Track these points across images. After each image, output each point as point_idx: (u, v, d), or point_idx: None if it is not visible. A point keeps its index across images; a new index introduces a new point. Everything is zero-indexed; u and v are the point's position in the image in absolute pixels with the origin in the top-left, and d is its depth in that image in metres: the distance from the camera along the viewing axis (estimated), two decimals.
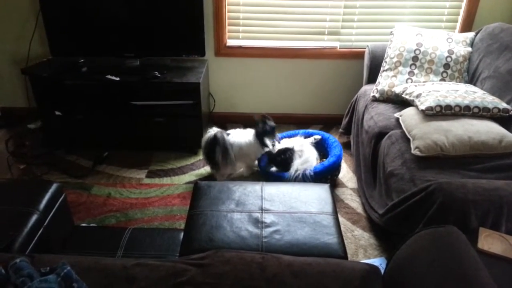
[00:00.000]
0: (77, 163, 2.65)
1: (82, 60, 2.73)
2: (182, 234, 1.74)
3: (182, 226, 2.05)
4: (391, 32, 2.61)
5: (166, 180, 2.50)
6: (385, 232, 2.03)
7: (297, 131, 2.69)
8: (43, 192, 1.74)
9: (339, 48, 2.94)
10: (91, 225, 2.07)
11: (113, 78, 2.57)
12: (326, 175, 2.34)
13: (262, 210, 1.65)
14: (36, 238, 1.60)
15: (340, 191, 2.40)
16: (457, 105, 2.02)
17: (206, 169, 2.59)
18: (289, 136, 2.65)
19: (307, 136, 2.62)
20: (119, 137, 2.75)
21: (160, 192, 2.39)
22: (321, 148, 2.56)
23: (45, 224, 1.67)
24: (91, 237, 1.74)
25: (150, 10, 2.63)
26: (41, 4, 2.59)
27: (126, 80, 2.57)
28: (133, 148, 2.77)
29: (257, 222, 1.59)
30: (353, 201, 2.33)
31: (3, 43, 2.92)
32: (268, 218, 1.61)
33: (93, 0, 2.61)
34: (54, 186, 1.79)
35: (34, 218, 1.62)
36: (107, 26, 2.68)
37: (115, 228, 1.95)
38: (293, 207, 1.66)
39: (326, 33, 2.91)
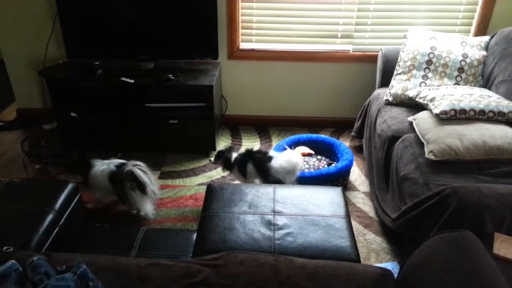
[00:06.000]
0: None
1: (97, 63, 2.78)
2: (195, 235, 1.75)
3: (195, 227, 2.07)
4: (405, 35, 2.59)
5: (178, 182, 2.52)
6: (397, 236, 2.01)
7: (301, 136, 2.69)
8: (59, 192, 1.77)
9: (352, 52, 2.93)
10: (105, 225, 2.09)
11: (128, 80, 2.60)
12: (337, 179, 2.34)
13: (275, 212, 1.65)
14: (52, 237, 1.63)
15: (352, 195, 2.39)
16: (472, 109, 2.00)
17: (218, 171, 2.61)
18: (293, 143, 2.64)
19: (311, 141, 2.63)
20: (133, 138, 2.78)
21: (172, 193, 2.41)
22: (332, 153, 2.56)
23: (60, 223, 1.70)
24: (106, 236, 1.76)
25: (165, 14, 2.66)
26: (58, 7, 2.64)
27: (140, 82, 2.61)
28: (147, 150, 2.80)
29: (270, 224, 1.59)
30: (365, 204, 2.32)
31: (21, 46, 2.98)
32: (280, 220, 1.61)
33: (108, 4, 2.66)
34: (69, 186, 1.83)
35: (50, 217, 1.65)
36: (122, 29, 2.72)
37: (129, 228, 1.97)
38: (305, 210, 1.66)
39: (339, 36, 2.91)
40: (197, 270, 1.32)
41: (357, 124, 2.78)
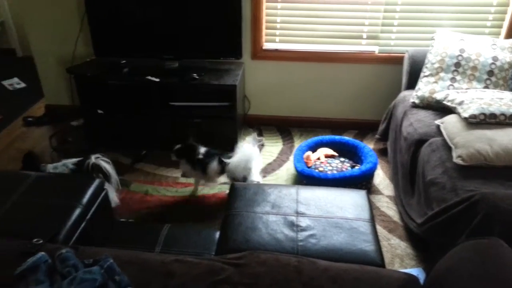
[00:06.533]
0: (117, 160, 2.73)
1: (123, 61, 2.83)
2: (217, 234, 1.76)
3: (217, 226, 2.08)
4: (433, 37, 2.54)
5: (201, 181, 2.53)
6: (422, 242, 1.98)
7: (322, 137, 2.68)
8: (86, 187, 1.81)
9: (378, 53, 2.89)
10: (130, 220, 2.13)
11: (153, 79, 2.64)
12: (361, 182, 2.32)
13: (298, 213, 1.64)
14: (79, 231, 1.67)
15: (376, 198, 2.36)
16: (502, 114, 1.94)
17: None
18: (316, 144, 2.63)
19: (335, 143, 2.61)
20: (157, 136, 2.82)
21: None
22: (355, 155, 2.54)
23: (87, 217, 1.73)
24: (130, 232, 1.79)
25: (190, 14, 2.69)
26: (87, 6, 2.70)
27: (165, 81, 2.64)
28: (170, 148, 2.82)
29: (293, 226, 1.59)
30: (389, 209, 2.29)
31: (50, 44, 3.06)
32: (303, 221, 1.60)
33: (135, 3, 2.70)
34: (96, 182, 1.86)
35: (77, 211, 1.69)
36: (148, 29, 2.76)
37: (153, 224, 2.00)
38: (329, 212, 1.65)
39: (364, 37, 2.87)
40: (220, 268, 1.33)
41: (381, 127, 2.74)
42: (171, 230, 1.75)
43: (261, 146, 2.77)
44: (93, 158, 2.15)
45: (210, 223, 2.17)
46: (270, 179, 2.54)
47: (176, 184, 2.50)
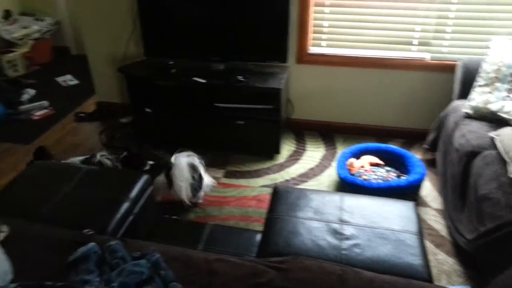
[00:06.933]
0: (163, 158, 2.80)
1: (171, 62, 2.90)
2: (258, 236, 1.77)
3: (257, 228, 2.09)
4: (488, 45, 2.42)
5: (242, 182, 2.55)
6: (471, 259, 1.88)
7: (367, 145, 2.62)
8: (134, 183, 1.87)
9: (429, 60, 2.80)
10: (173, 217, 2.18)
11: (200, 80, 2.69)
12: (407, 193, 2.24)
13: (342, 221, 1.62)
14: (126, 224, 1.72)
15: (422, 211, 2.27)
16: None
17: (282, 175, 2.61)
18: (361, 151, 2.57)
19: (380, 151, 2.54)
20: (201, 136, 2.87)
21: (236, 192, 2.45)
22: (402, 165, 2.46)
23: (134, 211, 1.79)
24: (174, 228, 1.83)
25: (237, 17, 2.72)
26: (140, 9, 2.80)
27: (211, 82, 2.68)
28: (213, 148, 2.88)
29: (336, 233, 1.56)
30: (436, 222, 2.20)
31: (103, 44, 3.20)
32: (347, 230, 1.57)
33: (186, 7, 2.77)
34: (144, 178, 1.92)
35: (125, 205, 1.75)
36: (196, 31, 2.83)
37: (196, 222, 2.03)
38: (374, 222, 1.61)
39: (415, 43, 2.79)
40: (263, 271, 1.33)
41: (430, 136, 2.64)
42: (213, 229, 1.78)
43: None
44: (98, 156, 2.24)
45: (250, 225, 2.18)
46: (311, 184, 2.51)
47: (218, 184, 2.53)
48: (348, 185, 2.30)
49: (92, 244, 1.39)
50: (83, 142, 3.05)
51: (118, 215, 1.69)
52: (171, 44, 2.90)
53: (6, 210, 1.68)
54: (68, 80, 4.17)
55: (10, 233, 1.48)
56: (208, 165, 2.70)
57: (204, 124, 2.83)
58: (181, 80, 2.75)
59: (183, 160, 2.23)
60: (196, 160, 2.29)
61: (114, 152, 2.82)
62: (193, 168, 2.24)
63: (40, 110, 3.49)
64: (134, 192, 1.82)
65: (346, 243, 1.51)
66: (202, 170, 2.29)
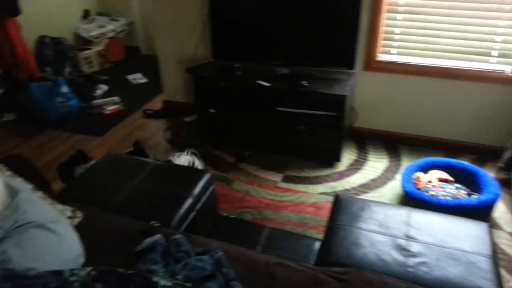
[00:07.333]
0: (222, 158, 2.86)
1: (237, 65, 2.95)
2: (317, 244, 1.74)
3: (314, 236, 2.05)
4: None
5: (300, 187, 2.53)
6: None
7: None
8: (197, 180, 1.92)
9: (509, 73, 2.60)
10: (232, 216, 2.20)
11: (264, 83, 2.71)
12: (478, 213, 2.09)
13: (408, 237, 1.54)
14: (188, 220, 1.77)
15: (495, 234, 2.11)
16: None
17: (342, 183, 2.55)
18: (428, 165, 2.44)
19: (450, 166, 2.40)
20: (261, 139, 2.89)
21: (294, 198, 2.43)
22: (473, 183, 2.30)
23: (197, 208, 1.83)
24: (233, 227, 1.86)
25: (306, 21, 2.71)
26: (210, 13, 2.88)
27: (275, 86, 2.69)
28: (272, 151, 2.88)
29: (402, 249, 1.49)
30: (510, 247, 2.03)
31: (173, 45, 3.33)
32: (414, 247, 1.50)
33: (255, 12, 2.81)
34: (206, 176, 1.97)
35: (189, 201, 1.80)
36: (263, 35, 2.85)
37: (255, 224, 2.04)
38: (443, 241, 1.52)
39: (494, 54, 2.60)
40: (324, 280, 1.30)
41: (506, 155, 2.45)
42: (272, 232, 1.78)
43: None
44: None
45: (307, 231, 2.14)
46: (372, 196, 2.43)
47: (276, 188, 2.53)
48: (413, 200, 2.19)
49: (158, 235, 1.44)
50: (150, 137, 3.19)
51: (182, 210, 1.74)
52: (238, 47, 2.95)
53: (80, 197, 1.79)
54: (137, 78, 4.39)
55: (83, 219, 1.58)
56: (267, 168, 2.72)
57: (265, 127, 2.84)
58: (245, 82, 2.79)
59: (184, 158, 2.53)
60: (196, 160, 2.62)
61: (179, 148, 2.93)
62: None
63: (112, 105, 3.70)
64: (197, 189, 1.87)
65: (412, 261, 1.44)
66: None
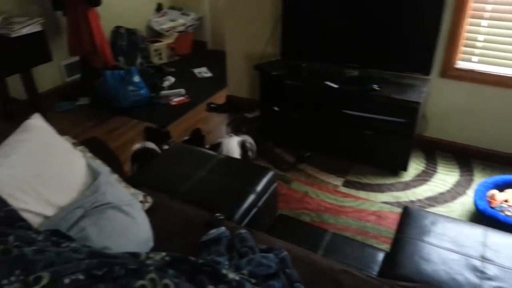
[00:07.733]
0: (282, 157, 2.85)
1: (304, 64, 2.92)
2: (381, 254, 1.67)
3: (375, 245, 1.98)
4: None
5: (361, 194, 2.45)
6: None
7: None
8: (261, 177, 1.92)
9: None
10: (291, 216, 2.19)
11: (332, 85, 2.65)
12: None
13: (484, 258, 1.43)
14: (250, 216, 1.78)
15: None
16: None
17: (407, 194, 2.44)
18: (505, 183, 2.26)
19: None
20: (323, 140, 2.84)
21: (355, 204, 2.36)
22: None
23: (258, 205, 1.83)
24: (294, 228, 1.83)
25: (382, 23, 2.61)
26: (283, 12, 2.86)
27: (344, 88, 2.63)
28: (334, 154, 2.82)
29: (476, 271, 1.39)
30: None
31: (242, 42, 3.37)
32: (491, 270, 1.39)
33: (328, 12, 2.76)
34: (270, 174, 1.96)
35: (252, 197, 1.80)
36: (336, 36, 2.79)
37: (316, 227, 2.01)
38: None
39: None
40: None
41: None
42: (333, 237, 1.73)
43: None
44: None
45: (368, 240, 2.07)
46: (440, 210, 2.30)
47: (336, 192, 2.47)
48: (486, 219, 2.04)
49: (223, 228, 1.46)
50: (212, 131, 3.25)
51: (245, 206, 1.75)
52: (308, 47, 2.92)
53: (150, 183, 1.86)
54: (203, 72, 4.50)
55: (153, 204, 1.64)
56: (327, 171, 2.67)
57: (330, 130, 2.79)
58: (313, 82, 2.75)
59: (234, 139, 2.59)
60: (248, 140, 2.68)
61: None
62: (243, 146, 2.60)
63: (178, 97, 3.83)
64: (260, 186, 1.86)
65: (488, 284, 1.34)
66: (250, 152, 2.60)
